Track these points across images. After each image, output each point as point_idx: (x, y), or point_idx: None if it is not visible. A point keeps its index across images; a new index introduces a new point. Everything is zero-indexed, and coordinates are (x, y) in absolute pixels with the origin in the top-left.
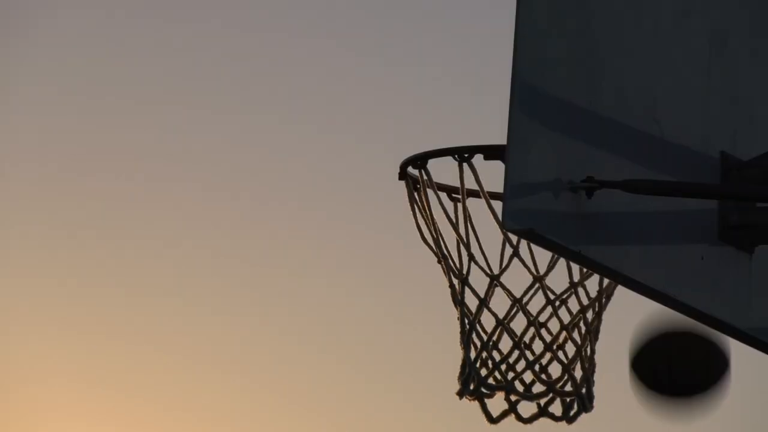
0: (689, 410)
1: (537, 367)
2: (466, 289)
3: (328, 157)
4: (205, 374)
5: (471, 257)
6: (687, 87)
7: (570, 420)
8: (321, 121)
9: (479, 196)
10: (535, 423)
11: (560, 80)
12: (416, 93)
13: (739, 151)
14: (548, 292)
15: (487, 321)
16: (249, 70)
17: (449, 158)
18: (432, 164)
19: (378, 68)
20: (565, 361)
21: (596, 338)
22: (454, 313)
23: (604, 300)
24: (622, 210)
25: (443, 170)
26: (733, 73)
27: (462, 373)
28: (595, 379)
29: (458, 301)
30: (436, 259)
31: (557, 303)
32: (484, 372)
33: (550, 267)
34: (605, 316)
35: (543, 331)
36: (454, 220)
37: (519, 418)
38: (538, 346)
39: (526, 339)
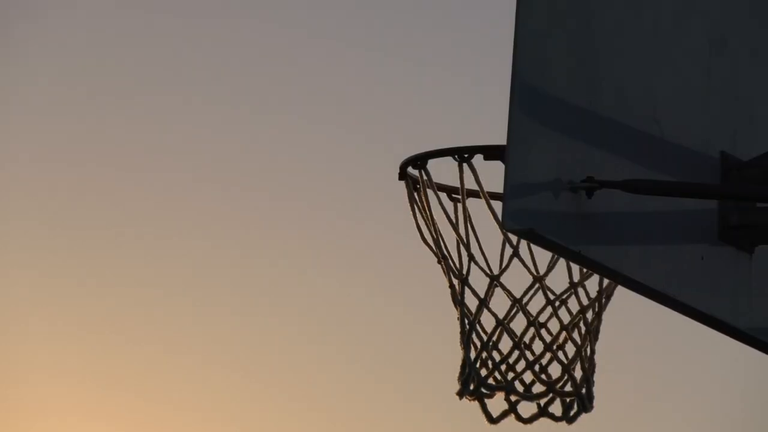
0: None
1: (537, 368)
2: (466, 290)
3: (328, 157)
4: (211, 374)
5: (471, 257)
6: (687, 87)
7: (570, 420)
8: (321, 121)
9: (479, 197)
10: (535, 423)
11: (560, 80)
12: (416, 93)
13: (739, 151)
14: (548, 293)
15: (487, 321)
16: (250, 71)
17: (449, 158)
18: (432, 164)
19: (378, 68)
20: (565, 362)
21: (596, 338)
22: (454, 313)
23: (604, 300)
24: (622, 210)
25: (443, 170)
26: (733, 73)
27: (462, 374)
28: (595, 379)
29: (458, 301)
30: (436, 259)
31: (557, 303)
32: (484, 372)
33: (550, 267)
34: (605, 316)
35: (543, 332)
36: (454, 221)
37: (519, 418)
38: (538, 347)
39: (526, 339)
